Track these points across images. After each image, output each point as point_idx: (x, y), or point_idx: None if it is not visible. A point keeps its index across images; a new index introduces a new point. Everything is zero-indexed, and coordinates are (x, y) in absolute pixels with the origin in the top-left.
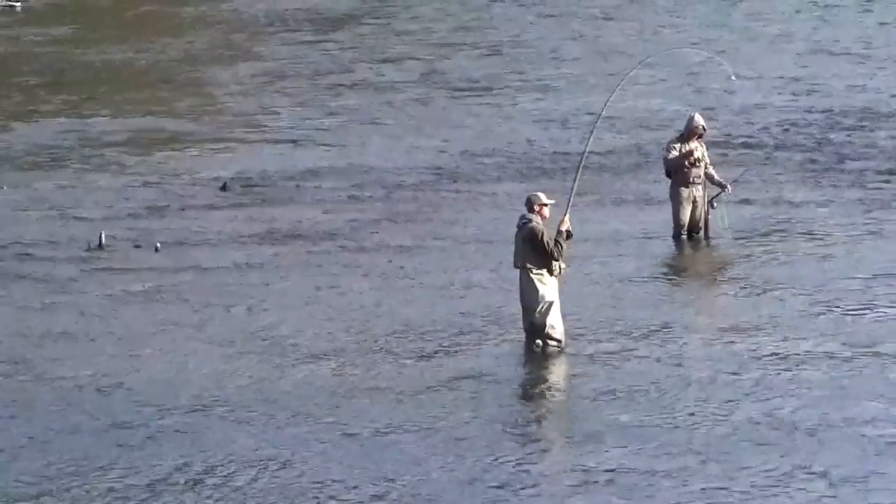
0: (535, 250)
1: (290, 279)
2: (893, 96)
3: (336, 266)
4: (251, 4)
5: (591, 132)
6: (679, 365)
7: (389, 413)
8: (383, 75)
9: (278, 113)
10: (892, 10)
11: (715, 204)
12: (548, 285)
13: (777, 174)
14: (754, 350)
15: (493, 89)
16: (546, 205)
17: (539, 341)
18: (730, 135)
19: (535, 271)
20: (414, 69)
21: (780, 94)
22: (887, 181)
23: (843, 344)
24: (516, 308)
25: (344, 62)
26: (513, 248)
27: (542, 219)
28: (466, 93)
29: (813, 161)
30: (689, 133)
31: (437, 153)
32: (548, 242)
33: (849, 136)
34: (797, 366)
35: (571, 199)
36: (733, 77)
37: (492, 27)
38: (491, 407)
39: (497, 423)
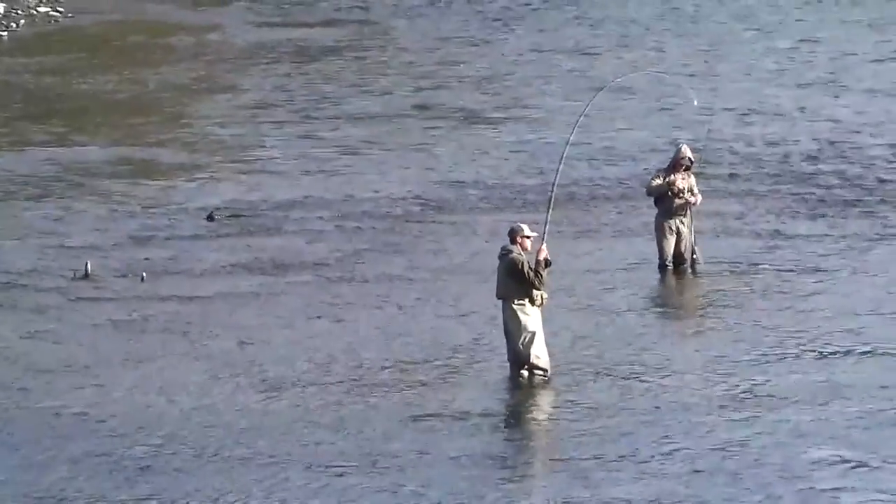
0: (516, 280)
1: (275, 310)
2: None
3: (321, 297)
4: (237, 36)
5: (561, 158)
6: (660, 399)
7: (368, 446)
8: (369, 106)
9: (264, 143)
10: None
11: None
12: (530, 315)
13: (769, 205)
14: (731, 387)
15: (480, 120)
16: (528, 237)
17: (524, 371)
18: (707, 164)
19: (517, 302)
20: (399, 100)
21: (774, 124)
22: (885, 216)
23: (816, 386)
24: (500, 339)
25: (328, 93)
26: (496, 278)
27: (523, 250)
28: (452, 123)
29: (807, 193)
30: (675, 164)
31: (422, 183)
32: (528, 272)
33: (845, 168)
34: (769, 406)
35: (547, 227)
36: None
37: (477, 60)
38: (471, 440)
39: (475, 457)
